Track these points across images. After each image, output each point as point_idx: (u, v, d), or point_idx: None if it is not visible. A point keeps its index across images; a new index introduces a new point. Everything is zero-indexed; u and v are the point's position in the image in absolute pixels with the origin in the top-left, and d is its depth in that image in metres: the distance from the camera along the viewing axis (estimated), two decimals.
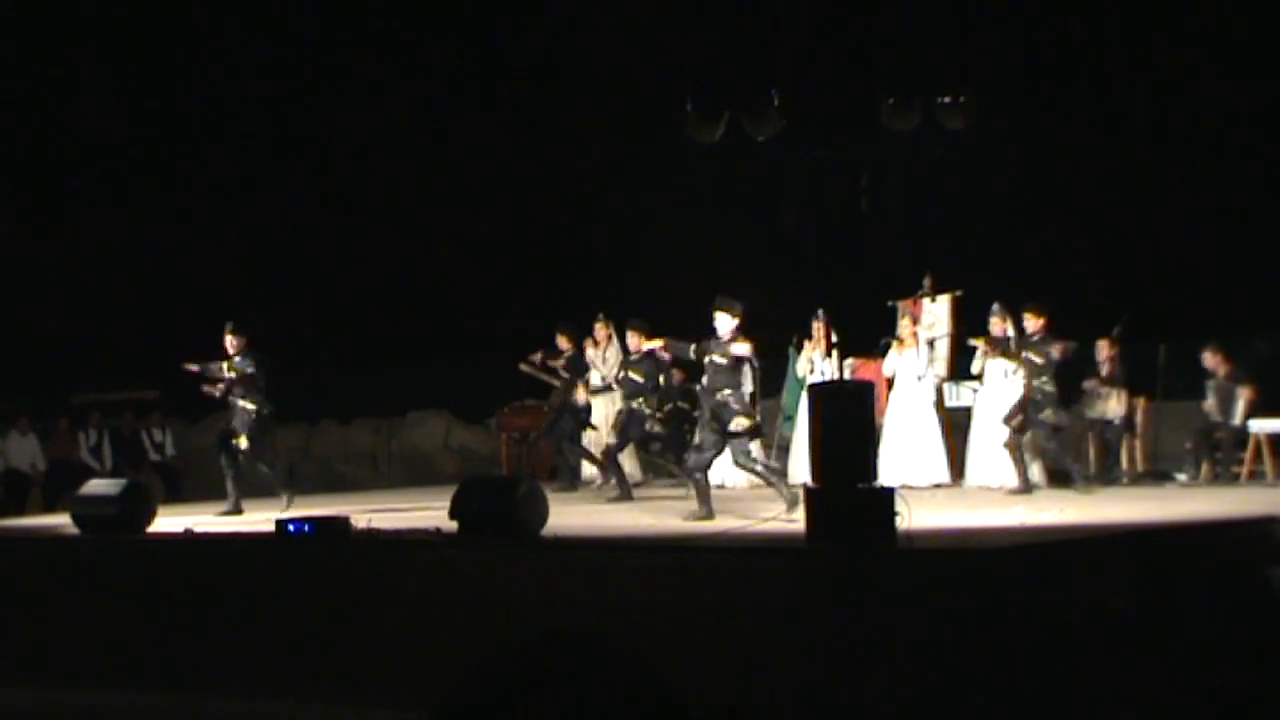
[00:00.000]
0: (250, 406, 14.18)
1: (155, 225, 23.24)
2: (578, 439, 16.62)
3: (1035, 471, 14.51)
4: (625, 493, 14.97)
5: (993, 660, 8.00)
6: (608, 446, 15.62)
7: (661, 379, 15.64)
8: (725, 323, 12.37)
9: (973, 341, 14.70)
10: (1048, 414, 13.78)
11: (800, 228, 19.33)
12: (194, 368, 14.56)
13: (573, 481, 16.66)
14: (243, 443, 14.11)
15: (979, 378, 15.08)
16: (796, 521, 10.14)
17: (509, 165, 22.12)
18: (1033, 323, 14.01)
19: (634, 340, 15.17)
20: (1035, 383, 13.79)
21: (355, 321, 22.63)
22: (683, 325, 15.58)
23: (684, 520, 12.00)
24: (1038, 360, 13.80)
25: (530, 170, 22.01)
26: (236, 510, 13.95)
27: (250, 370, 14.25)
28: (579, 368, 16.55)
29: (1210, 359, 15.19)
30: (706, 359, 12.42)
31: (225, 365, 14.32)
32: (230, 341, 14.38)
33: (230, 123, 23.28)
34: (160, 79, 23.07)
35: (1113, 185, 18.64)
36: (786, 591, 8.63)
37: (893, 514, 9.29)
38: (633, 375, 15.39)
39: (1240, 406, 14.90)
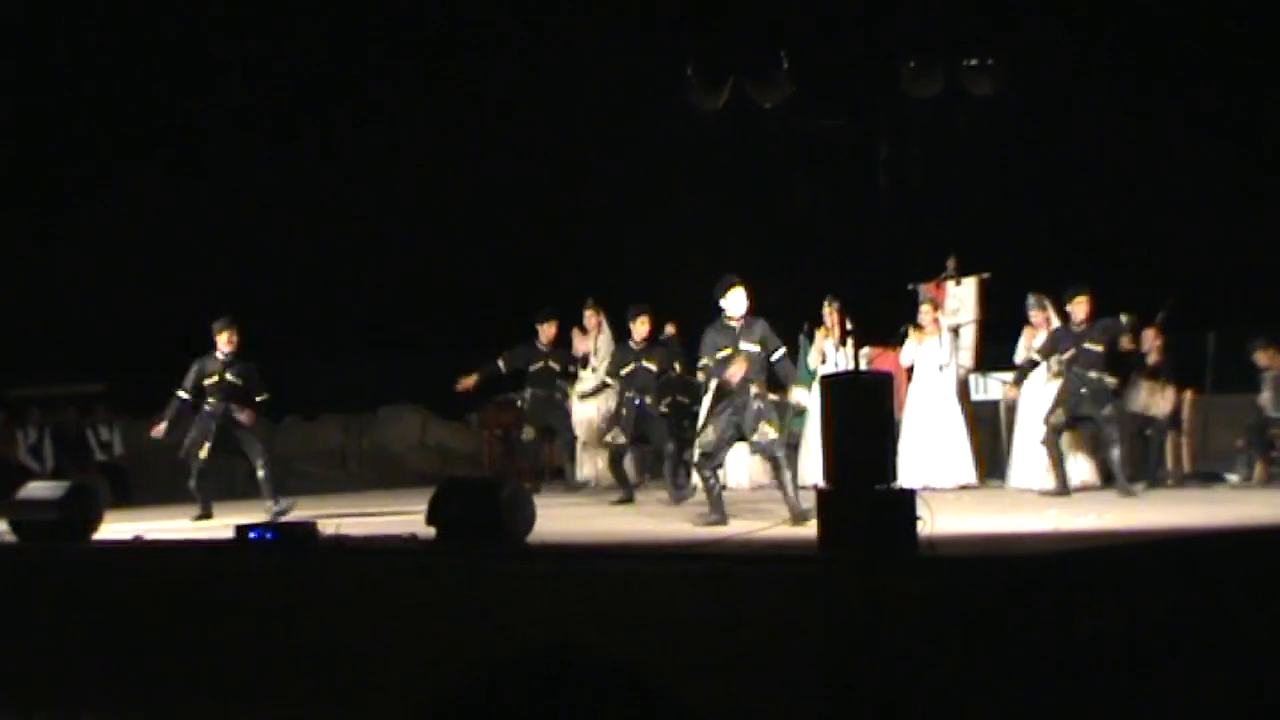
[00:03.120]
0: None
1: (101, 210, 23.22)
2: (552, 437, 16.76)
3: (1087, 471, 14.70)
4: (628, 495, 15.06)
5: (1022, 677, 8.04)
6: (614, 446, 15.59)
7: (676, 368, 15.70)
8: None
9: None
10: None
11: (812, 204, 19.35)
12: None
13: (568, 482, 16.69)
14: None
15: (1021, 369, 15.09)
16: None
17: (491, 137, 22.11)
18: (1081, 310, 14.05)
19: (640, 329, 15.18)
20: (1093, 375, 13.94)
21: (321, 308, 22.63)
22: (681, 310, 15.65)
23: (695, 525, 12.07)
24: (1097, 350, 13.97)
25: (514, 142, 21.99)
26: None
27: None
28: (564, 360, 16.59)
29: (1263, 357, 15.23)
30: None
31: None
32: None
33: (186, 102, 23.23)
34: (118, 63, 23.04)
35: (1156, 157, 18.65)
36: (796, 603, 8.66)
37: (914, 518, 9.32)
38: (647, 365, 15.37)
39: None
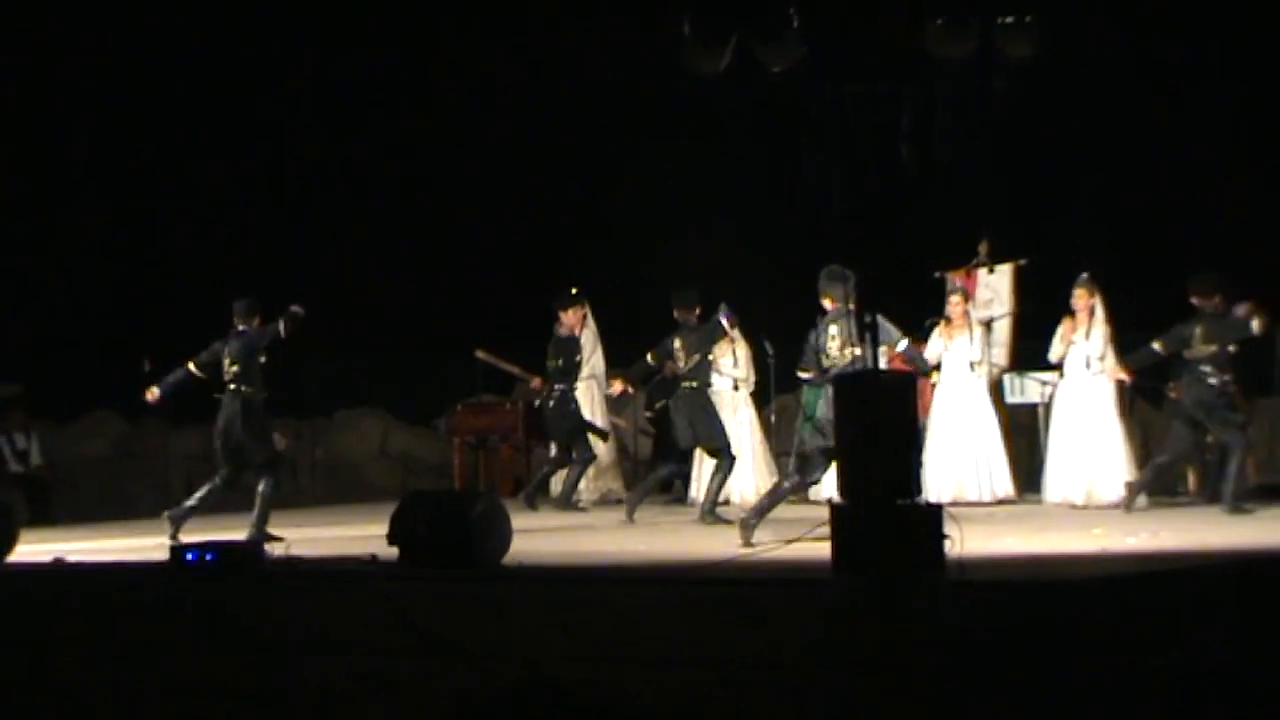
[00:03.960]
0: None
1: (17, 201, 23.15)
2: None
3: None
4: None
5: (1060, 718, 8.04)
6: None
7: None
8: None
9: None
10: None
11: (824, 182, 19.34)
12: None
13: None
14: None
15: (1058, 367, 15.13)
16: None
17: (462, 106, 22.05)
18: (1207, 302, 14.07)
19: (683, 314, 15.13)
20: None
21: (269, 299, 22.55)
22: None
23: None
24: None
25: (489, 112, 21.94)
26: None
27: None
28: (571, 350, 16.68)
29: None
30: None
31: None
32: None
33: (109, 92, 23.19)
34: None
35: (1217, 126, 18.63)
36: (807, 632, 8.65)
37: (941, 537, 9.33)
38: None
39: None
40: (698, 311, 15.08)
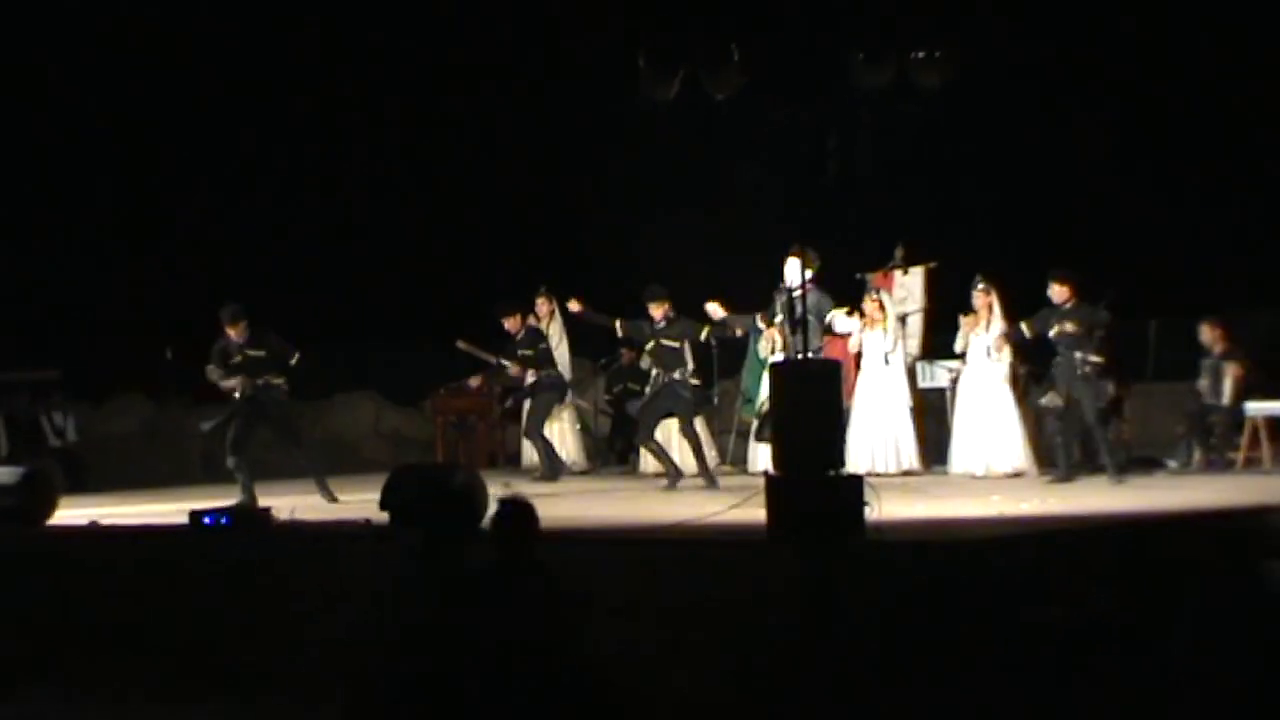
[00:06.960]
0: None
1: (48, 192, 22.99)
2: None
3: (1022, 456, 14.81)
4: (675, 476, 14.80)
5: (968, 661, 8.08)
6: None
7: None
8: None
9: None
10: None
11: (763, 194, 19.37)
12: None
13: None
14: None
15: (962, 356, 15.19)
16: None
17: (446, 123, 22.02)
18: (1060, 293, 14.12)
19: (657, 310, 15.07)
20: (1080, 355, 13.98)
21: (272, 292, 22.49)
22: (631, 297, 15.66)
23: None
24: (1073, 330, 14.01)
25: (469, 130, 21.92)
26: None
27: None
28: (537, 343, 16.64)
29: (1208, 334, 15.25)
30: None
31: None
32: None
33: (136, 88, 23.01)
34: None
35: (1101, 148, 18.74)
36: (747, 587, 8.68)
37: (861, 504, 9.35)
38: (666, 343, 15.26)
39: (1228, 386, 14.97)
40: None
